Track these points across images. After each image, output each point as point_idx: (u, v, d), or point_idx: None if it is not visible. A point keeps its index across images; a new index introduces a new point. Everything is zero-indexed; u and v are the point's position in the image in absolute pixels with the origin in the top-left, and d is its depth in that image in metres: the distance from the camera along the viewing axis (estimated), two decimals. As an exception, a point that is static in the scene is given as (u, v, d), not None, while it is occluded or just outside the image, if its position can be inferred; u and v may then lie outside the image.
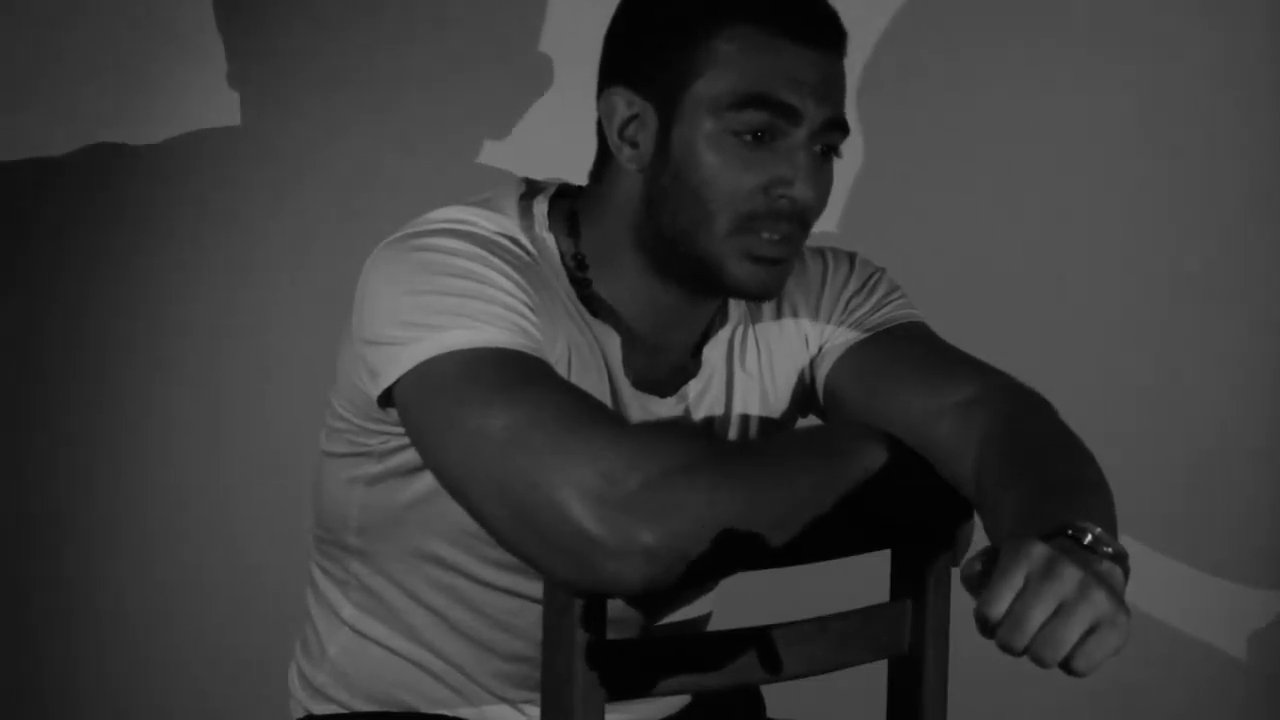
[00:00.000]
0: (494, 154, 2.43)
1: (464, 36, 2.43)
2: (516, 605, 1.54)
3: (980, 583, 1.15)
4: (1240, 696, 2.67)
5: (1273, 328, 2.61)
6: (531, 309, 1.44)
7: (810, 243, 1.56)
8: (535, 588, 1.39)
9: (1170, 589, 2.64)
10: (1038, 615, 1.13)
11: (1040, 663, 1.14)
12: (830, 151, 1.50)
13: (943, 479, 1.46)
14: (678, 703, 1.68)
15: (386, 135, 2.42)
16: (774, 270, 1.50)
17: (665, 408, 1.56)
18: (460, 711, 1.59)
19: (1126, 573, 1.22)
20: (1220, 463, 2.63)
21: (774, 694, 1.70)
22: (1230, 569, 2.65)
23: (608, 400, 1.52)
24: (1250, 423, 2.63)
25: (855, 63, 1.53)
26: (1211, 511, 2.64)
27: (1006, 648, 1.15)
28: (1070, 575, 1.14)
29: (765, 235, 1.48)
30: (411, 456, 1.47)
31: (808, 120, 1.47)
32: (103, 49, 2.36)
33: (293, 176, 2.42)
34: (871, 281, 1.63)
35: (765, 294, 1.51)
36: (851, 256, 1.65)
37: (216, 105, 2.39)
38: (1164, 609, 2.64)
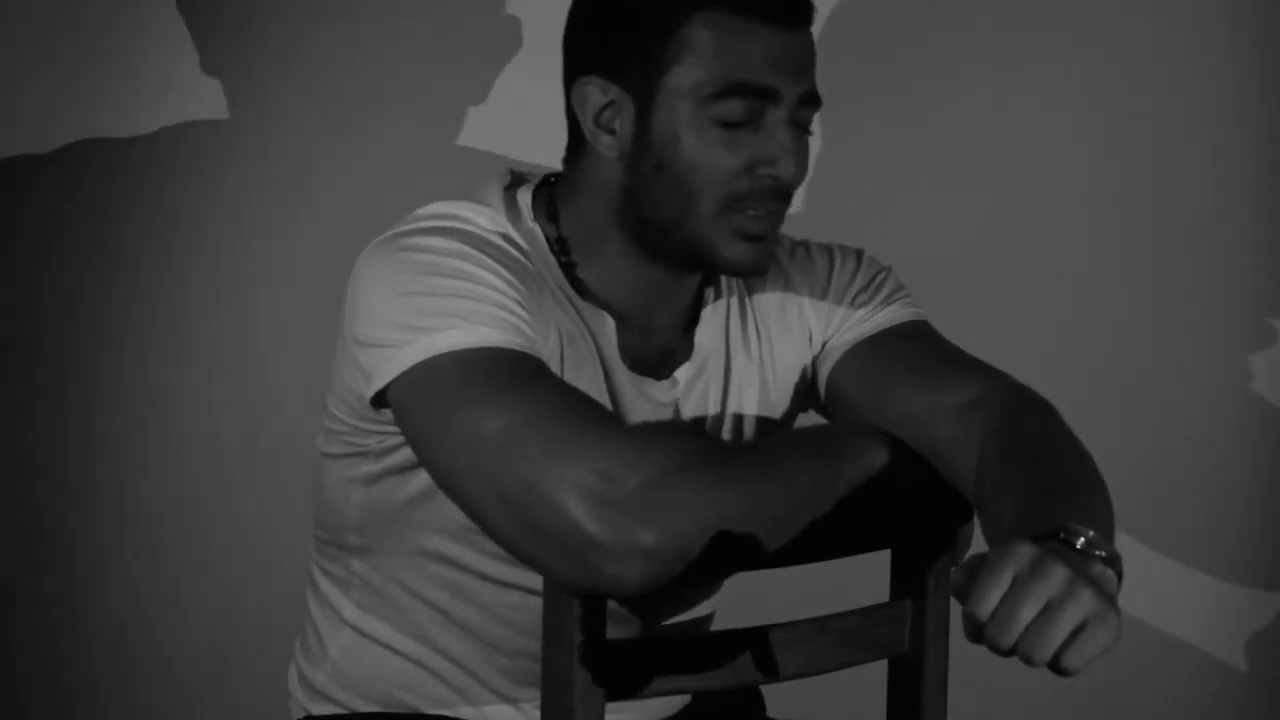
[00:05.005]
0: (478, 127, 2.43)
1: (432, 8, 2.43)
2: (519, 599, 1.54)
3: (965, 588, 1.16)
4: (1239, 699, 2.67)
5: (1272, 331, 2.61)
6: (523, 306, 1.44)
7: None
8: (537, 580, 1.39)
9: (1168, 590, 2.64)
10: (1025, 613, 1.13)
11: (1029, 661, 1.14)
12: (806, 126, 1.51)
13: (943, 479, 1.46)
14: (678, 703, 1.67)
15: (371, 120, 2.42)
16: (762, 245, 1.51)
17: (660, 391, 1.56)
18: (461, 711, 1.59)
19: (1120, 576, 1.22)
20: (1218, 463, 2.63)
21: (774, 694, 1.70)
22: (1228, 571, 2.65)
23: (603, 387, 1.53)
24: (1248, 422, 2.63)
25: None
26: (1210, 512, 2.64)
27: (995, 647, 1.15)
28: (1058, 574, 1.14)
29: (751, 213, 1.49)
30: (409, 454, 1.47)
31: (786, 98, 1.48)
32: (86, 44, 2.36)
33: (281, 170, 2.42)
34: (877, 279, 1.63)
35: (756, 270, 1.52)
36: (859, 254, 1.65)
37: (201, 99, 2.39)
38: (1162, 610, 2.64)
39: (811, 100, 1.50)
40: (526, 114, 2.33)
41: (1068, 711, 2.55)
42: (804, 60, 1.49)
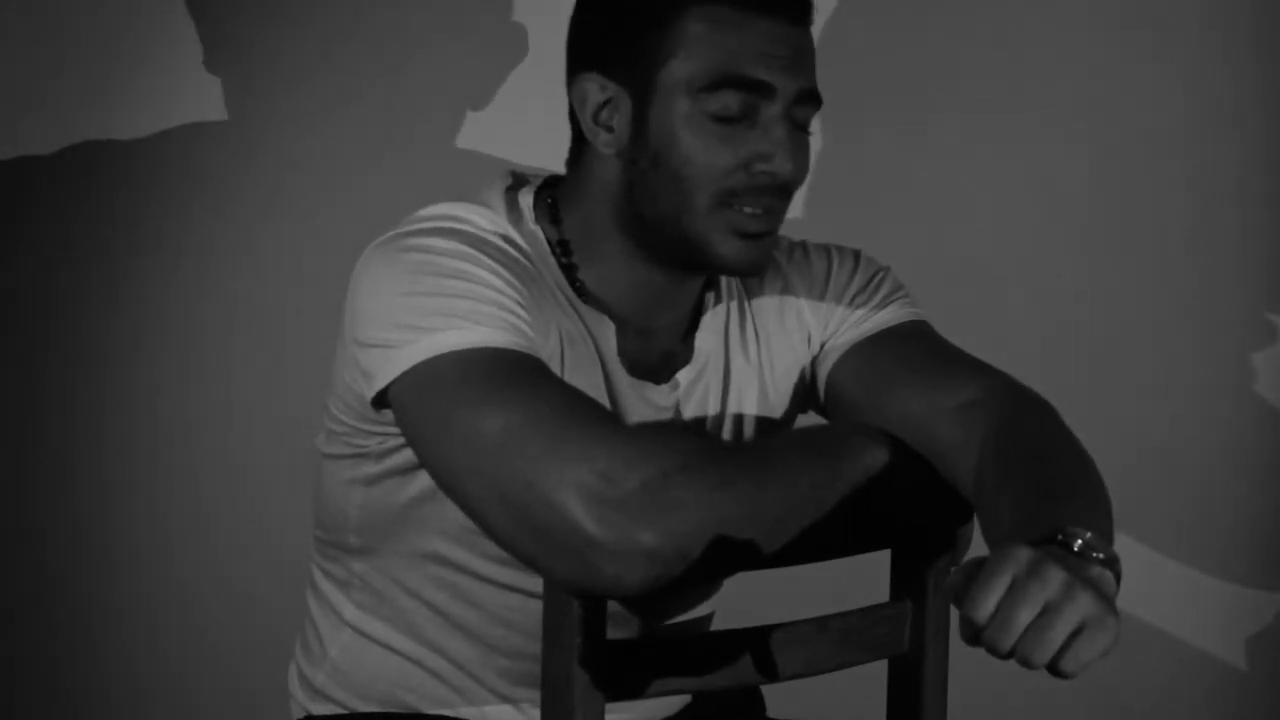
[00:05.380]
0: (478, 132, 2.43)
1: (436, 11, 2.43)
2: (519, 601, 1.54)
3: (963, 591, 1.16)
4: (1239, 699, 2.67)
5: (1272, 330, 2.61)
6: (524, 306, 1.44)
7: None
8: (537, 582, 1.39)
9: (1168, 590, 2.64)
10: (1023, 616, 1.13)
11: (1027, 663, 1.14)
12: (805, 125, 1.51)
13: (943, 479, 1.46)
14: (678, 703, 1.67)
15: (371, 120, 2.42)
16: (759, 244, 1.50)
17: (660, 395, 1.56)
18: (462, 711, 1.59)
19: (1118, 578, 1.22)
20: (1218, 463, 2.63)
21: (774, 694, 1.70)
22: (1228, 571, 2.65)
23: (603, 390, 1.52)
24: (1248, 422, 2.63)
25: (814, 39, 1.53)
26: (1211, 513, 2.64)
27: (993, 649, 1.15)
28: (1056, 577, 1.14)
29: (748, 210, 1.48)
30: (409, 455, 1.47)
31: (781, 94, 1.47)
32: (89, 46, 2.36)
33: (282, 172, 2.42)
34: (876, 279, 1.63)
35: (753, 269, 1.52)
36: (857, 254, 1.65)
37: (205, 101, 2.39)
38: (1162, 610, 2.64)
39: (809, 98, 1.49)
40: (529, 117, 2.34)
41: (1068, 711, 2.55)
42: (800, 57, 1.49)
